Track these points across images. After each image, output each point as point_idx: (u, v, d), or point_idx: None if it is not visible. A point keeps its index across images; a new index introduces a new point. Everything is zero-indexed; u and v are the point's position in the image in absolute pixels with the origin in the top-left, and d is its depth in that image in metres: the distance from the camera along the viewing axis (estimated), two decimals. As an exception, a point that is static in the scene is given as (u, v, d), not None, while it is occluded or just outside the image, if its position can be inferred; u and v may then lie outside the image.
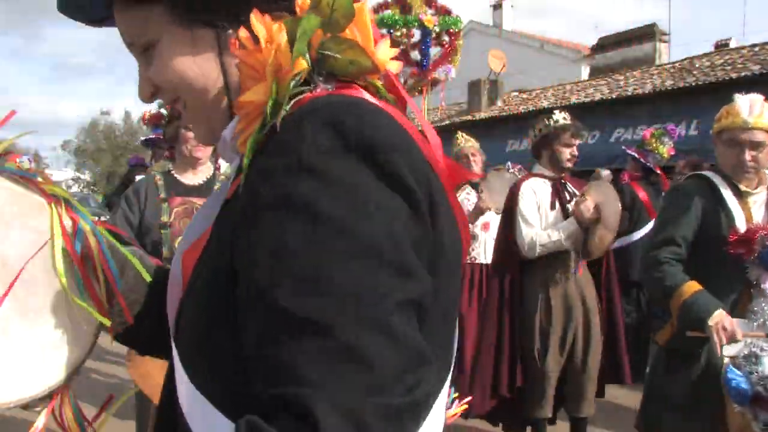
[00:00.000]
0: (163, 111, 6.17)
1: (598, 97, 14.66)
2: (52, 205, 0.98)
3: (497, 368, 3.77)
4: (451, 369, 0.87)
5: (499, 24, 24.81)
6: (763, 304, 2.49)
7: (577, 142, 3.80)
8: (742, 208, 2.62)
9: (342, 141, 0.67)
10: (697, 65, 14.01)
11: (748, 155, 2.61)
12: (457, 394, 1.61)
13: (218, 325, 0.74)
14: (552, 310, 3.67)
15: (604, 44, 18.81)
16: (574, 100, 15.08)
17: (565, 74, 19.44)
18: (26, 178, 0.99)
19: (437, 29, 7.46)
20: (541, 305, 3.70)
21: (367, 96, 0.77)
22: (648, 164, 5.65)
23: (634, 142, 6.20)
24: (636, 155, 5.76)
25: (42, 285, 0.97)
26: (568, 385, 3.76)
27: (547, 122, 3.80)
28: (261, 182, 0.69)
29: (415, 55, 7.61)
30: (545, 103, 15.62)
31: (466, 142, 5.05)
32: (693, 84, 12.66)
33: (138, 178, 4.40)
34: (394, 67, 0.83)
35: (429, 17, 7.27)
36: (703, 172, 2.84)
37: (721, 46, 15.76)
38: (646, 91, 13.50)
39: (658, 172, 5.69)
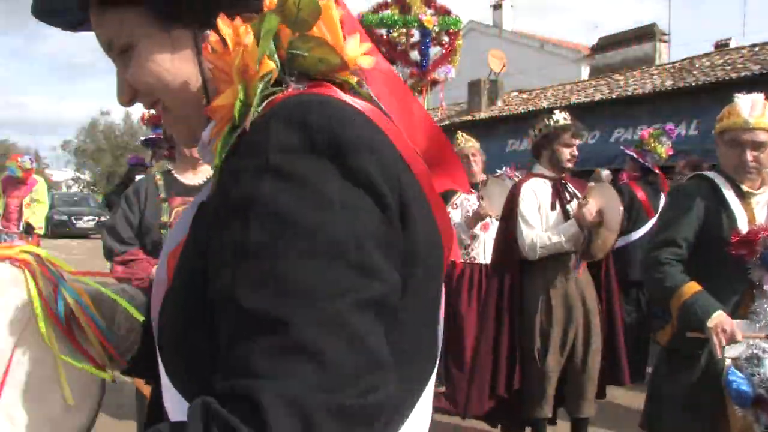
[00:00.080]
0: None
1: (598, 97, 14.66)
2: (27, 274, 0.95)
3: (495, 368, 3.77)
4: (434, 372, 0.87)
5: (499, 24, 24.83)
6: (766, 306, 2.48)
7: (577, 142, 3.79)
8: (744, 208, 2.62)
9: (309, 140, 0.68)
10: (697, 65, 14.01)
11: (749, 155, 2.61)
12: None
13: (195, 326, 0.74)
14: (552, 311, 3.67)
15: (604, 44, 18.81)
16: (574, 100, 15.08)
17: (565, 74, 19.44)
18: None
19: (437, 29, 7.46)
20: (541, 306, 3.69)
21: (341, 94, 0.76)
22: (646, 164, 5.65)
23: (634, 142, 6.19)
24: (634, 155, 5.77)
25: (35, 358, 0.94)
26: (569, 385, 3.76)
27: (547, 122, 3.79)
28: (230, 183, 0.70)
29: (415, 55, 7.61)
30: (545, 103, 15.62)
31: (467, 142, 5.05)
32: (693, 84, 12.65)
33: (138, 177, 4.40)
34: (366, 62, 0.82)
35: (428, 17, 7.27)
36: (706, 173, 2.83)
37: (721, 46, 15.76)
38: (646, 91, 13.50)
39: (657, 171, 5.69)
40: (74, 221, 22.24)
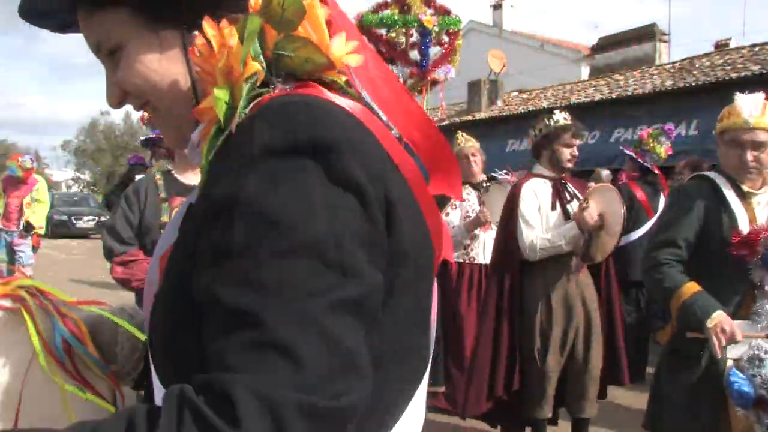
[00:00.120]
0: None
1: (598, 97, 14.64)
2: (24, 312, 0.95)
3: (494, 369, 3.77)
4: (426, 372, 0.86)
5: (499, 24, 24.80)
6: (767, 306, 2.48)
7: (578, 142, 3.79)
8: (745, 209, 2.61)
9: (293, 141, 0.68)
10: (697, 65, 14.00)
11: (750, 155, 2.61)
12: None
13: (183, 329, 0.74)
14: (552, 311, 3.66)
15: (604, 44, 18.80)
16: (574, 100, 15.06)
17: (565, 74, 19.43)
18: None
19: (437, 29, 7.46)
20: (541, 306, 3.69)
21: (328, 94, 0.77)
22: (645, 164, 5.65)
23: (634, 142, 6.19)
24: (633, 155, 5.77)
25: (43, 391, 0.95)
26: (570, 385, 3.76)
27: (547, 122, 3.79)
28: (216, 184, 0.70)
29: (415, 55, 7.60)
30: (545, 103, 15.60)
31: (467, 142, 5.04)
32: (693, 84, 12.64)
33: (138, 177, 4.39)
34: (353, 60, 0.81)
35: (428, 17, 7.26)
36: (706, 173, 2.83)
37: (721, 46, 15.73)
38: (646, 91, 13.48)
39: (656, 171, 5.69)
40: (74, 221, 22.24)
